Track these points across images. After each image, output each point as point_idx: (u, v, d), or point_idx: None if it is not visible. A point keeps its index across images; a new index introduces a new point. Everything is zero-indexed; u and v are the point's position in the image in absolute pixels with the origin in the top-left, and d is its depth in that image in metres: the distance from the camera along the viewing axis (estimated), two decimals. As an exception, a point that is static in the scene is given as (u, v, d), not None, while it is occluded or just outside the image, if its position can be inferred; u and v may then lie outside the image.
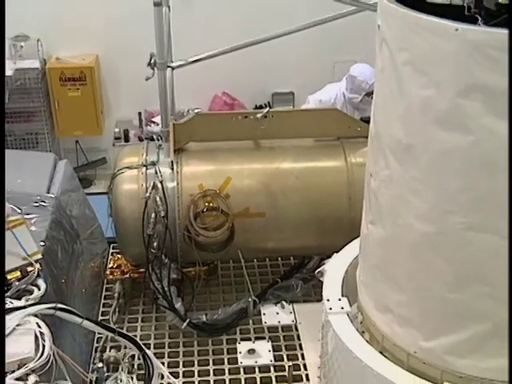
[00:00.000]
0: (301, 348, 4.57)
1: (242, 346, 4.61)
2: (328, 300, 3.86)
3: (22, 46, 8.93)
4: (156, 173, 4.73)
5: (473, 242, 2.93)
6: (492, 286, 2.98)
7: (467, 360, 3.14)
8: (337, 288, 3.94)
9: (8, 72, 8.84)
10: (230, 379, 4.34)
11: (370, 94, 6.24)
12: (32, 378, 3.05)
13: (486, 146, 2.76)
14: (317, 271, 4.38)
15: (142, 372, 4.01)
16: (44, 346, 3.13)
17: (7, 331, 3.14)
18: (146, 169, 4.77)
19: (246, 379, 4.34)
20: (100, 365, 4.20)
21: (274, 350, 4.57)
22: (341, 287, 3.95)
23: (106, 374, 4.11)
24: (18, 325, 3.20)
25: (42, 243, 3.95)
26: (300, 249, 5.13)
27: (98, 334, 4.35)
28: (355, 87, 6.68)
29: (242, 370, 4.42)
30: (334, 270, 4.10)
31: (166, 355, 4.52)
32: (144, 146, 4.99)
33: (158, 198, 4.64)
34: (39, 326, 3.22)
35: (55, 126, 9.29)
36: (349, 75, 6.71)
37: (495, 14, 2.87)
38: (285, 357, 4.50)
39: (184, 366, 4.43)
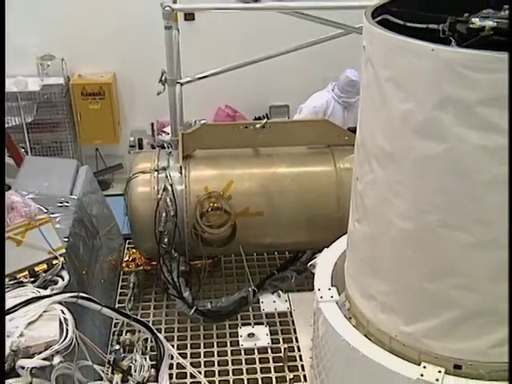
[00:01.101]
0: (295, 332, 4.57)
1: (243, 331, 4.62)
2: (319, 289, 3.86)
3: (48, 65, 8.94)
4: (166, 177, 4.73)
5: (446, 238, 2.94)
6: (463, 277, 2.98)
7: (442, 343, 3.15)
8: (327, 279, 3.95)
9: (36, 88, 8.85)
10: (232, 360, 4.34)
11: None
12: (57, 359, 3.06)
13: (458, 152, 2.77)
14: (309, 264, 4.39)
15: (154, 353, 4.03)
16: (67, 331, 3.15)
17: (35, 317, 3.15)
18: (158, 173, 4.77)
19: (246, 360, 4.34)
20: (117, 347, 4.21)
21: (271, 334, 4.57)
22: (330, 278, 3.95)
23: (123, 354, 4.13)
24: (44, 311, 3.22)
25: (66, 239, 3.97)
26: (294, 244, 5.13)
27: (115, 319, 4.35)
28: (356, 90, 6.68)
29: (242, 351, 4.43)
30: (324, 263, 4.10)
31: (176, 338, 4.52)
32: (156, 153, 4.99)
33: (168, 199, 4.65)
34: (63, 313, 3.23)
35: (77, 136, 9.31)
36: (347, 81, 6.71)
37: (466, 36, 2.88)
38: (281, 340, 4.50)
39: (191, 348, 4.43)
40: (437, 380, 3.09)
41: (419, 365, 3.18)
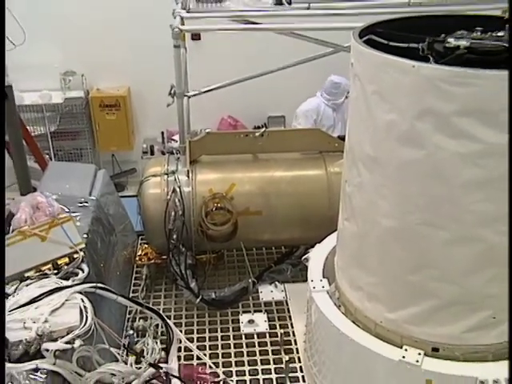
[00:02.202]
0: (290, 319, 4.56)
1: (244, 317, 4.61)
2: (312, 280, 3.87)
3: (70, 80, 8.96)
4: (175, 180, 4.72)
5: (425, 235, 2.95)
6: (440, 270, 3.00)
7: (421, 328, 3.17)
8: (319, 271, 3.96)
9: (59, 100, 8.88)
10: (234, 343, 4.33)
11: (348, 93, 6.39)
12: (77, 342, 3.05)
13: (436, 158, 2.78)
14: (303, 258, 4.39)
15: (164, 337, 4.02)
16: (87, 317, 3.14)
17: (58, 305, 3.15)
18: (167, 177, 4.76)
19: (246, 343, 4.33)
20: (131, 332, 4.20)
21: (269, 321, 4.56)
22: (322, 270, 3.96)
23: (136, 339, 4.12)
24: (66, 300, 3.21)
25: (85, 235, 3.96)
26: (289, 240, 5.13)
27: (130, 307, 4.35)
28: (340, 90, 6.77)
29: (243, 336, 4.42)
30: (316, 257, 4.11)
31: (183, 324, 4.52)
32: (166, 159, 4.98)
33: (176, 200, 4.65)
34: (83, 301, 3.23)
35: (96, 143, 9.33)
36: (331, 83, 6.78)
37: (443, 54, 2.89)
38: (277, 326, 4.49)
39: (197, 333, 4.43)
40: (417, 361, 3.10)
41: (401, 348, 3.20)
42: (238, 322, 4.56)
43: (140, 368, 3.59)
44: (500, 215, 2.80)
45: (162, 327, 4.12)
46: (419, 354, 3.13)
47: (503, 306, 3.02)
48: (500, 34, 3.01)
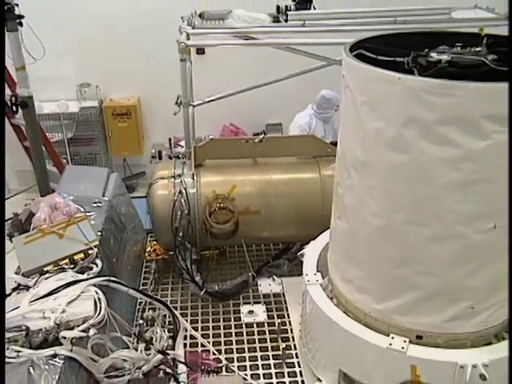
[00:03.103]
0: (287, 310, 4.56)
1: (244, 308, 4.60)
2: (307, 274, 3.88)
3: (85, 91, 8.97)
4: (181, 182, 4.73)
5: (410, 232, 2.96)
6: (423, 265, 3.01)
7: (406, 318, 3.17)
8: (313, 266, 3.96)
9: (75, 109, 8.91)
10: (235, 332, 4.33)
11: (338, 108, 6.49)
12: (92, 331, 3.06)
13: (420, 162, 2.78)
14: (299, 253, 4.40)
15: (171, 326, 4.03)
16: (101, 308, 3.15)
17: (74, 297, 3.16)
18: (174, 179, 4.76)
19: (246, 332, 4.33)
20: (141, 321, 4.21)
21: (267, 311, 4.56)
22: (316, 265, 3.97)
23: (145, 328, 4.13)
24: (82, 292, 3.22)
25: (99, 233, 3.97)
26: (286, 237, 5.13)
27: (140, 299, 4.35)
28: (331, 105, 6.81)
29: (243, 325, 4.42)
30: (311, 253, 4.12)
31: (189, 314, 4.51)
32: (173, 163, 4.98)
33: (182, 201, 4.64)
34: (97, 293, 3.24)
35: (109, 148, 9.32)
36: (322, 98, 6.82)
37: (426, 68, 2.90)
38: (275, 316, 4.49)
39: (202, 322, 4.43)
40: (402, 348, 3.11)
41: (388, 336, 3.21)
42: (239, 313, 4.56)
43: (149, 354, 3.61)
44: (478, 214, 2.82)
45: (169, 317, 4.14)
46: (405, 341, 3.14)
47: (481, 298, 3.05)
48: (478, 49, 3.03)
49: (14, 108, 5.72)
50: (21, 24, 5.25)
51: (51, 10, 7.82)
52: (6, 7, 5.05)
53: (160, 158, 9.02)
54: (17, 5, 5.17)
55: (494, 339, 3.23)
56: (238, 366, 3.94)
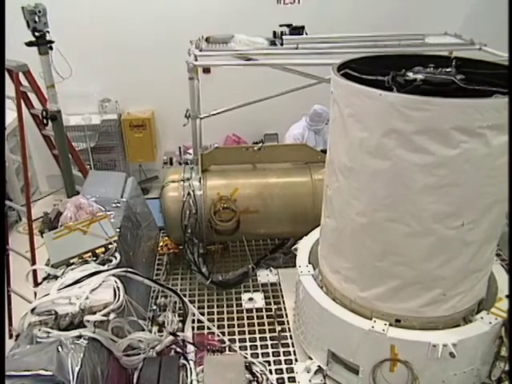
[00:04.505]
0: (282, 297, 4.55)
1: (245, 296, 4.60)
2: (299, 266, 3.88)
3: (106, 106, 9.01)
4: (190, 185, 4.72)
5: (390, 229, 2.96)
6: (402, 257, 3.01)
7: (387, 304, 3.18)
8: (305, 258, 3.97)
9: (97, 122, 8.95)
10: (237, 316, 4.33)
11: (328, 122, 6.51)
12: (112, 315, 3.06)
13: (399, 168, 2.80)
14: (293, 248, 4.40)
15: (181, 311, 4.03)
16: (119, 295, 3.14)
17: (96, 285, 3.17)
18: (184, 183, 4.76)
19: (247, 316, 4.33)
20: (154, 307, 4.21)
21: (265, 298, 4.55)
22: (308, 258, 3.97)
23: (158, 312, 4.13)
24: (103, 281, 3.22)
25: (118, 230, 3.97)
26: (281, 233, 5.13)
27: (153, 287, 4.34)
28: (322, 118, 6.85)
29: (244, 310, 4.41)
30: (303, 247, 4.12)
31: (196, 301, 4.51)
32: (182, 168, 4.98)
33: (191, 201, 4.64)
34: (116, 282, 3.24)
35: (126, 156, 9.35)
36: (315, 112, 6.88)
37: (404, 85, 2.92)
38: (272, 302, 4.49)
39: (207, 308, 4.43)
40: (383, 330, 3.12)
41: (371, 320, 3.21)
42: (240, 300, 4.55)
43: (162, 336, 3.62)
44: (449, 213, 2.83)
45: (179, 303, 4.13)
46: (385, 324, 3.15)
47: (451, 286, 3.07)
48: (448, 69, 3.05)
49: (45, 121, 5.73)
50: (51, 48, 5.32)
51: (77, 37, 7.88)
52: (39, 34, 5.18)
53: (171, 163, 9.04)
54: (48, 32, 5.24)
55: (462, 322, 3.25)
56: (240, 346, 3.94)
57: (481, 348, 3.17)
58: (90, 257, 3.56)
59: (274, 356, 3.84)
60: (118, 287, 3.20)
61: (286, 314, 4.31)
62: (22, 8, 5.10)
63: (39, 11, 5.09)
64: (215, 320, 4.27)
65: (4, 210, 3.73)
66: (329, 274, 3.54)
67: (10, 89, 6.01)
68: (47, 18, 5.21)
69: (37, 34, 5.19)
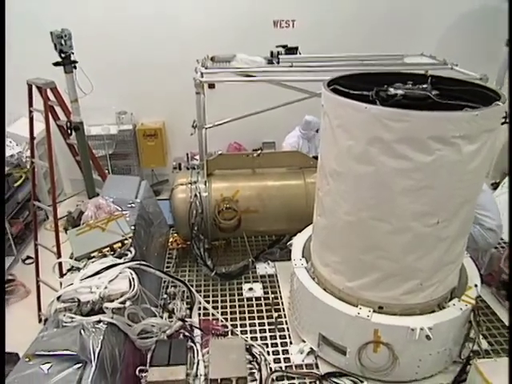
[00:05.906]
0: (279, 287, 4.54)
1: (245, 286, 4.57)
2: (294, 259, 3.89)
3: (122, 117, 9.04)
4: (196, 188, 4.71)
5: (374, 226, 2.98)
6: (384, 251, 3.02)
7: (371, 292, 3.19)
8: (299, 253, 3.98)
9: (115, 131, 8.98)
10: (238, 304, 4.30)
11: (318, 130, 6.55)
12: (128, 303, 3.07)
13: (381, 172, 2.81)
14: (288, 243, 4.39)
15: (189, 300, 4.03)
16: (134, 285, 3.16)
17: (114, 276, 3.18)
18: (191, 185, 4.75)
19: (247, 304, 4.31)
20: (165, 296, 4.20)
21: (263, 288, 4.54)
22: (301, 252, 3.98)
23: (169, 301, 4.13)
24: (119, 273, 3.23)
25: (133, 227, 3.97)
26: (278, 231, 5.11)
27: (164, 278, 4.34)
28: (311, 126, 6.88)
29: (245, 299, 4.38)
30: (297, 243, 4.13)
31: (202, 291, 4.49)
32: (190, 172, 4.97)
33: (197, 202, 4.64)
34: (131, 274, 3.25)
35: (140, 162, 9.36)
36: (306, 122, 6.94)
37: (386, 99, 2.94)
38: (269, 292, 4.47)
39: (212, 297, 4.40)
40: (368, 316, 3.13)
41: (357, 307, 3.22)
42: (241, 290, 4.54)
43: (172, 321, 3.63)
44: (425, 212, 2.85)
45: (187, 293, 4.13)
46: (369, 311, 3.16)
47: (427, 277, 3.08)
48: (424, 86, 3.07)
49: (69, 131, 5.78)
50: (75, 67, 5.44)
51: (98, 57, 7.92)
52: (64, 55, 5.31)
53: (180, 168, 9.08)
54: (72, 53, 5.32)
55: (436, 308, 3.25)
56: (241, 331, 3.93)
57: (453, 331, 3.19)
58: (108, 251, 3.57)
59: (271, 339, 3.84)
60: (133, 278, 3.21)
61: (282, 302, 4.31)
62: (51, 33, 5.16)
63: (65, 35, 5.20)
64: (219, 307, 4.27)
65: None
66: (320, 266, 3.56)
67: (39, 103, 6.07)
68: (72, 41, 5.30)
69: (63, 55, 5.26)
